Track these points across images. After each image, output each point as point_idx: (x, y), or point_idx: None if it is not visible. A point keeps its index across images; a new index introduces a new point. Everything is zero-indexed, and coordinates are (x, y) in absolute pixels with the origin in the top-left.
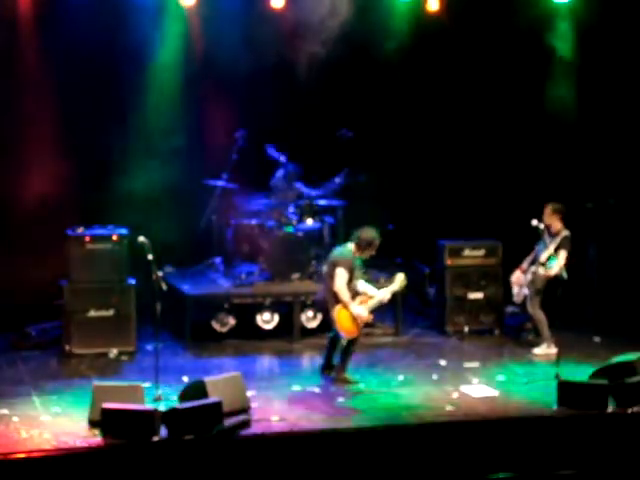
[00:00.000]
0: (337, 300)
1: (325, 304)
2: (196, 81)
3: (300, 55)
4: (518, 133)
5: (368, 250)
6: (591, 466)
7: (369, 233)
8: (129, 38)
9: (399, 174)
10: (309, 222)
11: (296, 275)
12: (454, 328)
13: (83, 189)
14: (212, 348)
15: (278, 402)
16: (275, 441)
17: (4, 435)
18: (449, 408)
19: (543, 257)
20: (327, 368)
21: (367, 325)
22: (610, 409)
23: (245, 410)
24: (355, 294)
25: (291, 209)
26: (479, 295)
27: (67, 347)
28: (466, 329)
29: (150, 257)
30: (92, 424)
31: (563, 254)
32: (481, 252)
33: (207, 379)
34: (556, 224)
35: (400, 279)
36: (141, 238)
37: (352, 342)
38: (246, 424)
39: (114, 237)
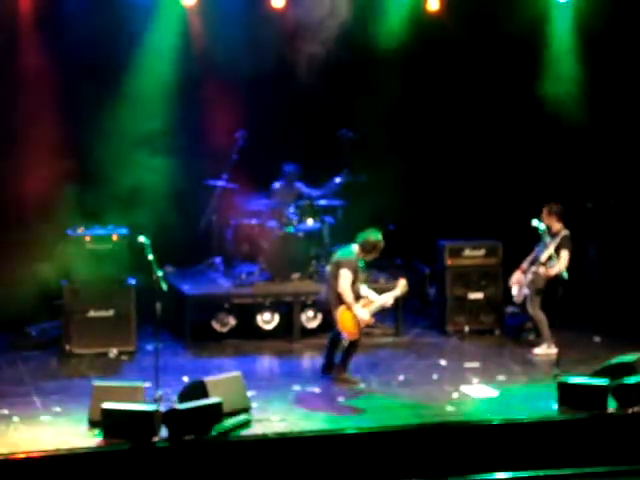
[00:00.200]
0: (340, 301)
1: (328, 304)
2: (197, 81)
3: (300, 55)
4: (518, 133)
5: (372, 253)
6: (591, 466)
7: (374, 236)
8: (129, 37)
9: (399, 174)
10: (309, 222)
11: (296, 275)
12: (454, 328)
13: (83, 189)
14: (212, 348)
15: (278, 402)
16: (275, 441)
17: (4, 435)
18: (449, 408)
19: (543, 257)
20: (328, 368)
21: (368, 326)
22: (610, 409)
23: (245, 410)
24: (357, 297)
25: (291, 209)
26: (479, 295)
27: (67, 347)
28: (466, 329)
29: (150, 257)
30: (92, 424)
31: (565, 254)
32: (481, 252)
33: (207, 379)
34: (555, 224)
35: (402, 285)
36: (141, 238)
37: (353, 343)
38: (246, 424)
39: (114, 237)
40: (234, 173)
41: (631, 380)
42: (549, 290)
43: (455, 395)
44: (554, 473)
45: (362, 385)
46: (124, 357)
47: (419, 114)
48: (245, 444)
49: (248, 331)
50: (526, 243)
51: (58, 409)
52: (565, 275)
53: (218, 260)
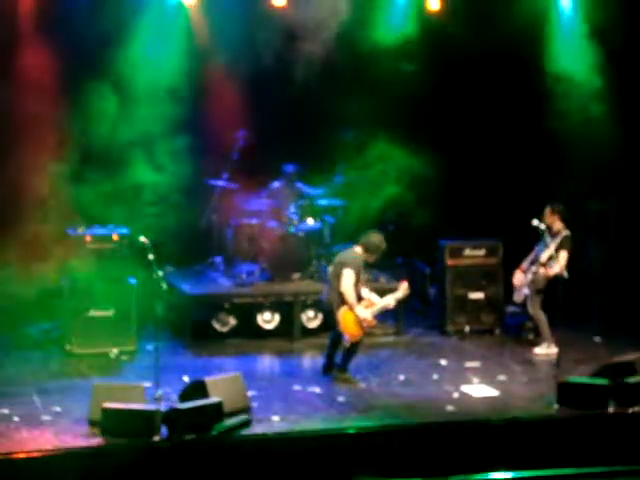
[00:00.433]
0: (342, 302)
1: (330, 305)
2: (197, 81)
3: (300, 55)
4: (518, 132)
5: (374, 254)
6: (591, 466)
7: (377, 237)
8: (129, 37)
9: (399, 174)
10: (310, 222)
11: (297, 275)
12: (455, 328)
13: (84, 188)
14: (213, 348)
15: (279, 402)
16: (275, 441)
17: (5, 435)
18: (449, 408)
19: (544, 257)
20: (329, 368)
21: (369, 327)
22: (610, 409)
23: (246, 410)
24: (359, 299)
25: (292, 209)
26: (480, 295)
27: (68, 347)
28: (467, 329)
29: (151, 257)
30: (93, 424)
31: (564, 254)
32: (482, 252)
33: (208, 379)
34: (556, 224)
35: (404, 288)
36: (142, 238)
37: (355, 344)
38: (247, 424)
39: (114, 237)
40: (234, 173)
41: (631, 380)
42: (549, 290)
43: (455, 395)
44: (554, 473)
45: (362, 385)
46: (124, 357)
47: (419, 114)
48: (245, 444)
49: (248, 331)
50: (526, 243)
51: (58, 409)
52: (565, 275)
53: (218, 260)
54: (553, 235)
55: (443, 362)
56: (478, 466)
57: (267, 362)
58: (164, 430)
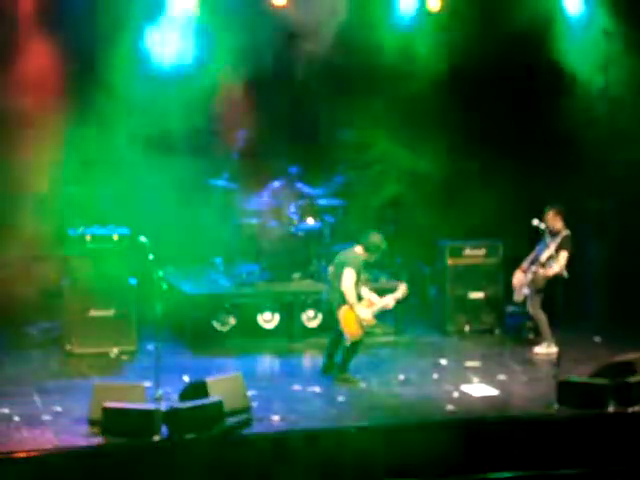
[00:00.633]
0: (343, 301)
1: (330, 304)
2: (197, 81)
3: (301, 55)
4: (518, 133)
5: (375, 254)
6: (591, 466)
7: (377, 237)
8: (130, 37)
9: (399, 174)
10: (310, 221)
11: (297, 275)
12: (455, 327)
13: (84, 188)
14: (213, 348)
15: (279, 402)
16: (275, 441)
17: (5, 434)
18: (449, 408)
19: (544, 257)
20: (329, 367)
21: (369, 327)
22: (610, 409)
23: (246, 410)
24: (359, 298)
25: (292, 208)
26: (480, 295)
27: (68, 346)
28: (467, 328)
29: (151, 257)
30: (93, 423)
31: (564, 254)
32: (482, 252)
33: (208, 379)
34: (558, 224)
35: (403, 288)
36: (142, 238)
37: (355, 343)
38: (247, 424)
39: (115, 237)
40: (235, 173)
41: (631, 380)
42: (549, 289)
43: (455, 394)
44: (554, 473)
45: (362, 385)
46: (125, 357)
47: (418, 114)
48: (245, 443)
49: (249, 330)
50: (526, 243)
51: (59, 409)
52: (565, 274)
53: (219, 260)
54: (553, 235)
55: (443, 362)
56: (478, 466)
57: (267, 362)
58: (164, 430)
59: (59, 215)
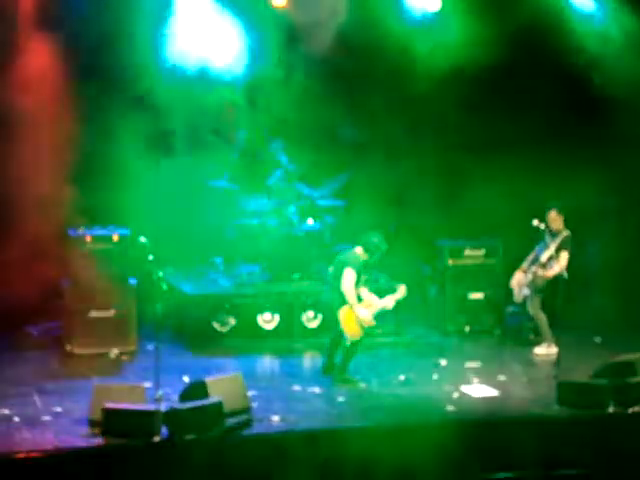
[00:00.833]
0: (343, 302)
1: (330, 305)
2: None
3: (301, 55)
4: (518, 133)
5: (375, 254)
6: (591, 466)
7: (377, 238)
8: (130, 37)
9: (399, 174)
10: (310, 222)
11: (297, 275)
12: (455, 328)
13: (84, 188)
14: (213, 348)
15: (279, 402)
16: (275, 441)
17: (5, 435)
18: (449, 408)
19: (544, 257)
20: (328, 368)
21: (369, 327)
22: (610, 409)
23: (246, 410)
24: (359, 299)
25: (292, 209)
26: (480, 295)
27: (68, 347)
28: (467, 329)
29: (151, 257)
30: (93, 424)
31: (564, 255)
32: (481, 252)
33: (208, 379)
34: (558, 225)
35: (402, 290)
36: (142, 238)
37: (355, 344)
38: (247, 424)
39: (115, 237)
40: (235, 173)
41: (631, 380)
42: (549, 290)
43: (455, 395)
44: (554, 473)
45: (362, 385)
46: (125, 357)
47: (418, 114)
48: (245, 444)
49: (249, 331)
50: (526, 243)
51: (59, 409)
52: (565, 275)
53: (219, 260)
54: (553, 235)
55: (443, 362)
56: (478, 466)
57: (267, 362)
58: (164, 430)
59: (59, 215)
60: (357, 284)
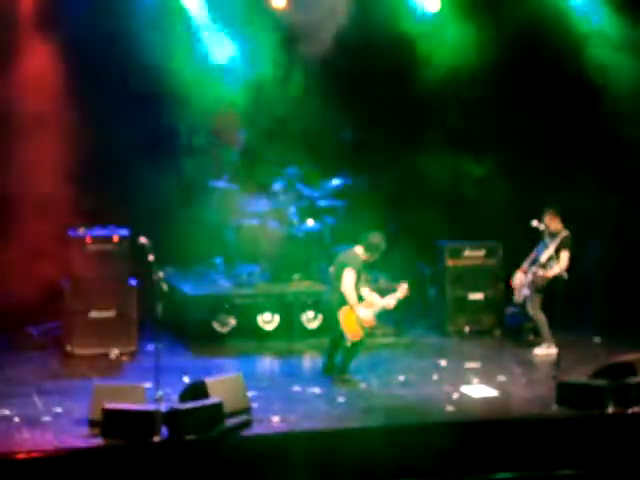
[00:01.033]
0: (344, 302)
1: (331, 305)
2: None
3: (300, 55)
4: (518, 133)
5: (375, 254)
6: (591, 466)
7: (378, 237)
8: (130, 38)
9: (400, 175)
10: (310, 223)
11: (297, 276)
12: (454, 328)
13: (84, 189)
14: (213, 348)
15: (279, 402)
16: (275, 441)
17: (5, 435)
18: (449, 408)
19: (543, 258)
20: (329, 368)
21: (370, 327)
22: (610, 409)
23: (246, 410)
24: (360, 298)
25: (292, 210)
26: (479, 296)
27: (68, 347)
28: (466, 329)
29: (151, 258)
30: (93, 424)
31: (565, 255)
32: (481, 253)
33: (208, 379)
34: (557, 225)
35: (404, 288)
36: (142, 239)
37: (356, 344)
38: (247, 424)
39: (115, 238)
40: (235, 174)
41: (631, 380)
42: (549, 290)
43: (455, 395)
44: (554, 474)
45: (362, 385)
46: (125, 357)
47: (418, 114)
48: (245, 444)
49: (249, 331)
50: (526, 243)
51: (59, 409)
52: (565, 275)
53: (219, 260)
54: (552, 236)
55: (443, 363)
56: (478, 466)
57: (267, 363)
58: (164, 431)
59: (59, 215)
60: (358, 283)
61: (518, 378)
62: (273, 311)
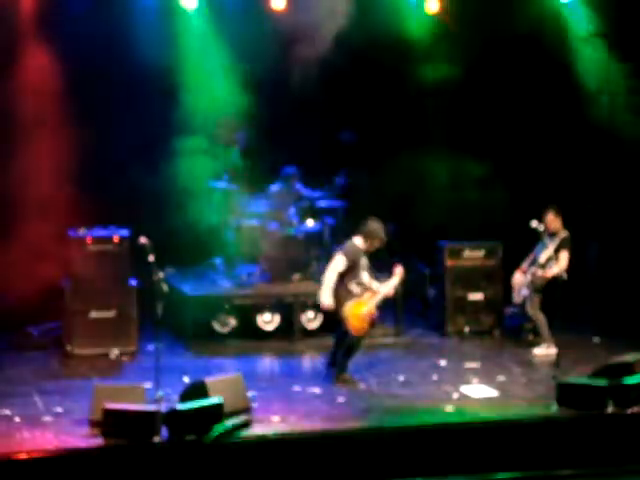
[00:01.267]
0: (347, 298)
1: (335, 302)
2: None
3: (301, 56)
4: (518, 133)
5: (375, 241)
6: (591, 466)
7: (375, 224)
8: (130, 39)
9: (400, 175)
10: (310, 223)
11: (297, 276)
12: (454, 329)
13: (85, 189)
14: (213, 349)
15: (279, 403)
16: (275, 442)
17: (6, 435)
18: (449, 408)
19: (543, 258)
20: (333, 364)
21: (372, 320)
22: (609, 409)
23: (246, 410)
24: (363, 287)
25: (292, 210)
26: (479, 296)
27: (68, 347)
28: (466, 330)
29: (151, 258)
30: (93, 424)
31: (564, 255)
32: (481, 253)
33: (208, 379)
34: (556, 225)
35: (399, 272)
36: (142, 239)
37: (357, 341)
38: (247, 425)
39: (115, 238)
40: (235, 174)
41: (630, 380)
42: (548, 291)
43: (455, 395)
44: (554, 473)
45: (362, 385)
46: (125, 358)
47: (418, 114)
48: (245, 444)
49: (249, 332)
50: (526, 244)
51: (59, 409)
52: (564, 276)
53: (219, 261)
54: (552, 236)
55: (442, 363)
56: (478, 466)
57: (267, 363)
58: (164, 431)
59: (60, 215)
60: (357, 272)
61: (518, 378)
62: (273, 311)
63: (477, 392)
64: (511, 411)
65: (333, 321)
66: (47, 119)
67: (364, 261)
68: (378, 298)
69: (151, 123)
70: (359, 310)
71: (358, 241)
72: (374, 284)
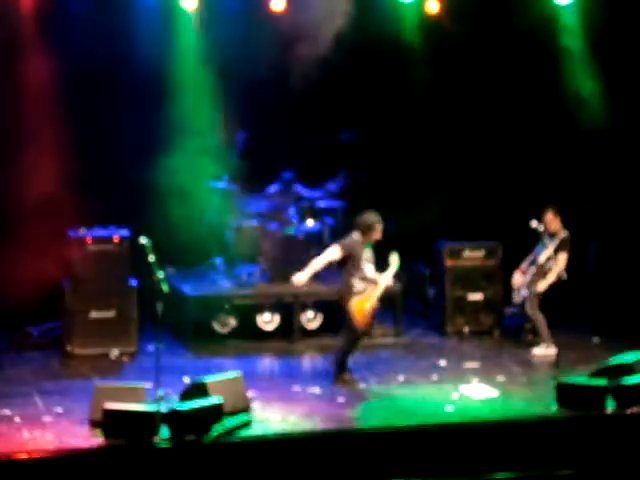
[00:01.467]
0: (351, 294)
1: (341, 299)
2: (198, 82)
3: (300, 57)
4: (518, 133)
5: (374, 232)
6: (590, 466)
7: (367, 215)
8: (131, 39)
9: (400, 175)
10: (309, 223)
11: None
12: (454, 329)
13: (85, 189)
14: (213, 349)
15: (278, 402)
16: (275, 442)
17: (6, 435)
18: (449, 408)
19: (542, 258)
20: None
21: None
22: (609, 410)
23: (246, 410)
24: (364, 279)
25: (292, 211)
26: (479, 296)
27: (68, 348)
28: (466, 330)
29: (151, 258)
30: (93, 424)
31: (563, 256)
32: (481, 253)
33: (208, 379)
34: (556, 225)
35: (395, 260)
36: (142, 239)
37: (357, 338)
38: (247, 425)
39: (115, 238)
40: (235, 174)
41: (630, 381)
42: (548, 291)
43: (455, 395)
44: (553, 474)
45: (362, 385)
46: (125, 358)
47: (419, 114)
48: (245, 444)
49: (248, 332)
50: (526, 244)
51: (59, 409)
52: (564, 276)
53: (219, 261)
54: (551, 236)
55: (442, 363)
56: (478, 466)
57: (267, 363)
58: (164, 431)
59: (60, 216)
60: (358, 263)
61: (518, 378)
62: (273, 311)
63: (477, 392)
64: (511, 411)
65: (333, 321)
66: (47, 119)
67: (367, 254)
68: (379, 291)
69: (151, 123)
70: (364, 306)
71: (356, 236)
72: (377, 275)
